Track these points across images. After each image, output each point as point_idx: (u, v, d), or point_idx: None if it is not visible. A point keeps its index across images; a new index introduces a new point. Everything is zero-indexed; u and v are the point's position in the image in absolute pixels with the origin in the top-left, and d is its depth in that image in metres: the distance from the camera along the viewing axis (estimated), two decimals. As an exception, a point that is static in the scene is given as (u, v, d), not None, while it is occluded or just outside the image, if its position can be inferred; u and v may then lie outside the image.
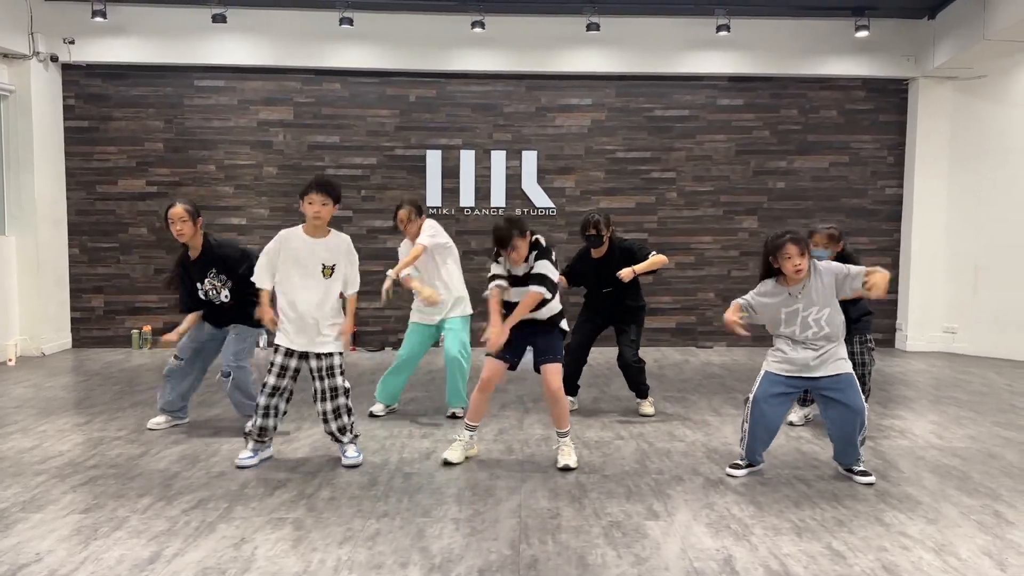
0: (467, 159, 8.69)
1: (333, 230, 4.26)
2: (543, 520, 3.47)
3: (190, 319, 4.90)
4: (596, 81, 8.72)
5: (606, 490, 3.88)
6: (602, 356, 7.36)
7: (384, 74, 8.58)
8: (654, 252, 5.30)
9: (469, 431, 4.36)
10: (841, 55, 8.60)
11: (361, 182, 8.67)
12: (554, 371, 4.20)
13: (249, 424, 4.24)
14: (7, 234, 7.92)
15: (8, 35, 7.55)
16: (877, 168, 8.92)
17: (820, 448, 4.59)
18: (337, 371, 4.20)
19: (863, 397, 4.01)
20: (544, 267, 4.07)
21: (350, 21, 8.00)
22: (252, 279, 4.22)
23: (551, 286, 4.10)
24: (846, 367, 3.97)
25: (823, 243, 4.77)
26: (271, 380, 4.15)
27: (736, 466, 4.14)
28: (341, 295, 4.25)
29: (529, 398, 5.99)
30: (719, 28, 8.17)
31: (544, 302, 4.12)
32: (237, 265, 4.72)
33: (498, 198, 8.72)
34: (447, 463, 4.23)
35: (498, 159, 8.71)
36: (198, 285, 4.78)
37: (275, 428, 4.28)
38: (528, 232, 4.08)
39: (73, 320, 8.53)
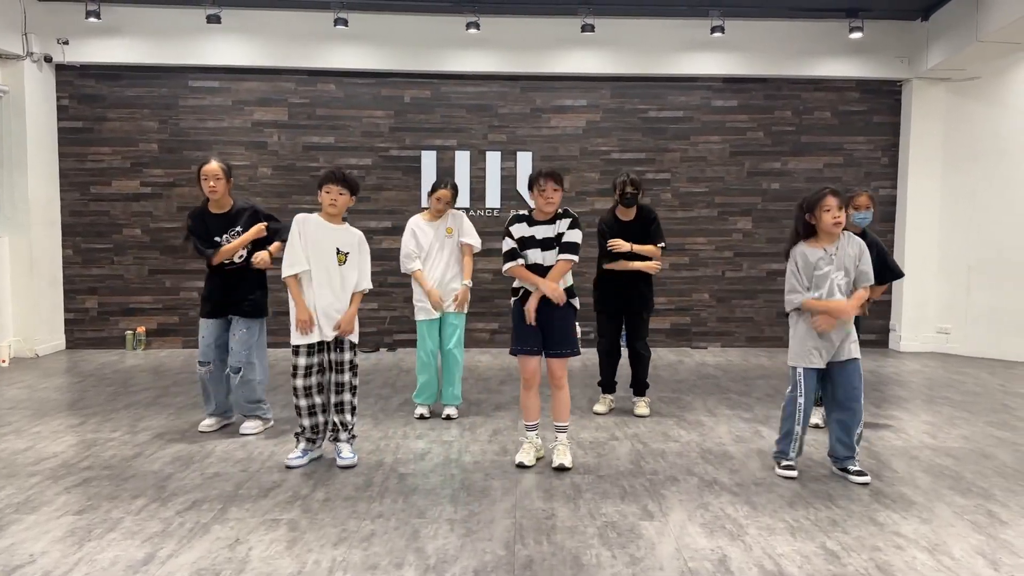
0: (462, 160, 8.69)
1: (348, 224, 4.34)
2: (538, 520, 3.47)
3: (251, 233, 4.84)
4: (591, 82, 8.73)
5: (601, 490, 3.89)
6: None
7: (379, 75, 8.57)
8: (662, 243, 5.38)
9: (531, 431, 4.40)
10: (835, 56, 8.63)
11: (356, 183, 8.65)
12: (561, 362, 4.26)
13: (298, 427, 4.34)
14: (0, 235, 7.90)
15: (1, 35, 7.52)
16: (871, 169, 8.95)
17: (814, 448, 4.60)
18: (347, 367, 4.27)
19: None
20: (576, 236, 4.23)
21: (345, 22, 7.99)
22: (281, 240, 4.52)
23: (577, 254, 4.28)
24: (857, 351, 4.08)
25: (866, 204, 4.88)
26: (299, 383, 4.22)
27: (790, 467, 4.13)
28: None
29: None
30: (713, 29, 8.19)
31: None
32: (267, 217, 4.92)
33: (493, 199, 8.72)
34: (521, 466, 4.25)
35: (493, 160, 8.71)
36: (216, 239, 4.83)
37: (326, 423, 4.35)
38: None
39: (67, 321, 8.49)
